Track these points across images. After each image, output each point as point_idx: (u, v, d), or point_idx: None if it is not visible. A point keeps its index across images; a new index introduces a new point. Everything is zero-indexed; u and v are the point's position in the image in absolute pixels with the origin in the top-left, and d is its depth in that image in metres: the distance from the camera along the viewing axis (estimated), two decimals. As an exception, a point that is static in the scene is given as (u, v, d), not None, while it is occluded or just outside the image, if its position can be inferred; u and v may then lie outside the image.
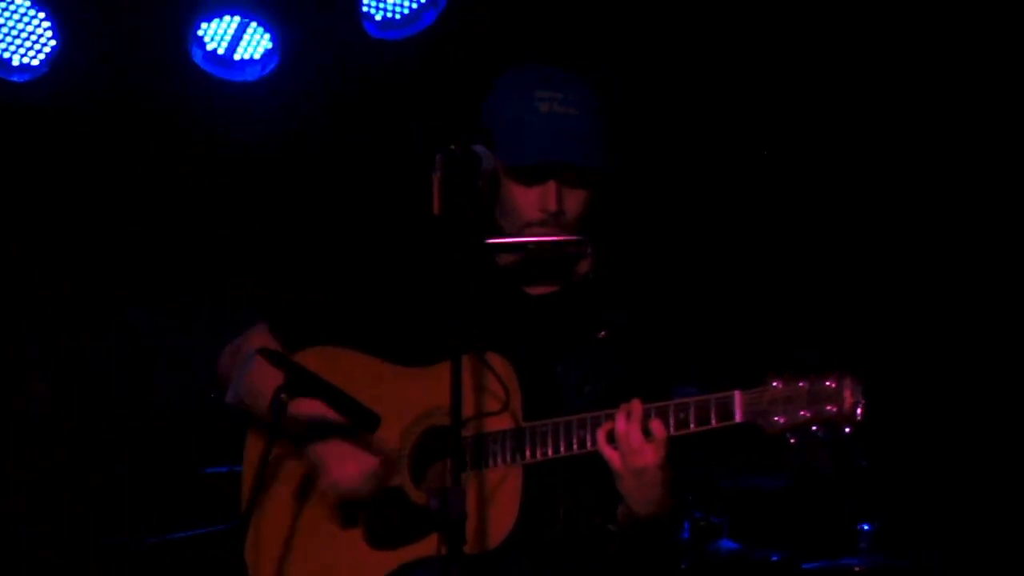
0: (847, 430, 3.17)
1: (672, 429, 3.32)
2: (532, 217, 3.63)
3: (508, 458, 3.46)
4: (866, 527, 5.81)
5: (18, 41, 5.84)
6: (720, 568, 5.81)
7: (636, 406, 3.35)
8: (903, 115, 6.22)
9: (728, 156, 6.43)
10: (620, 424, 3.35)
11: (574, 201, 3.64)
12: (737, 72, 6.25)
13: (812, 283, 6.41)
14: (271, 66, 5.99)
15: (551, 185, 3.61)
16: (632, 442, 3.34)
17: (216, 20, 5.94)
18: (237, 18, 5.95)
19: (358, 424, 3.56)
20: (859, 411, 3.16)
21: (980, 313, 6.21)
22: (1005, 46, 5.97)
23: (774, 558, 5.90)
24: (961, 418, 6.20)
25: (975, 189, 6.18)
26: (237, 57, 5.99)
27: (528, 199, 3.63)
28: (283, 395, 3.46)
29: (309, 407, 3.56)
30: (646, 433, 3.33)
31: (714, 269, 6.37)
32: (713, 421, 3.28)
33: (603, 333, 3.65)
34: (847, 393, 3.17)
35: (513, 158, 3.61)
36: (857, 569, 5.76)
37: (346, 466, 3.59)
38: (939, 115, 6.15)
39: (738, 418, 3.25)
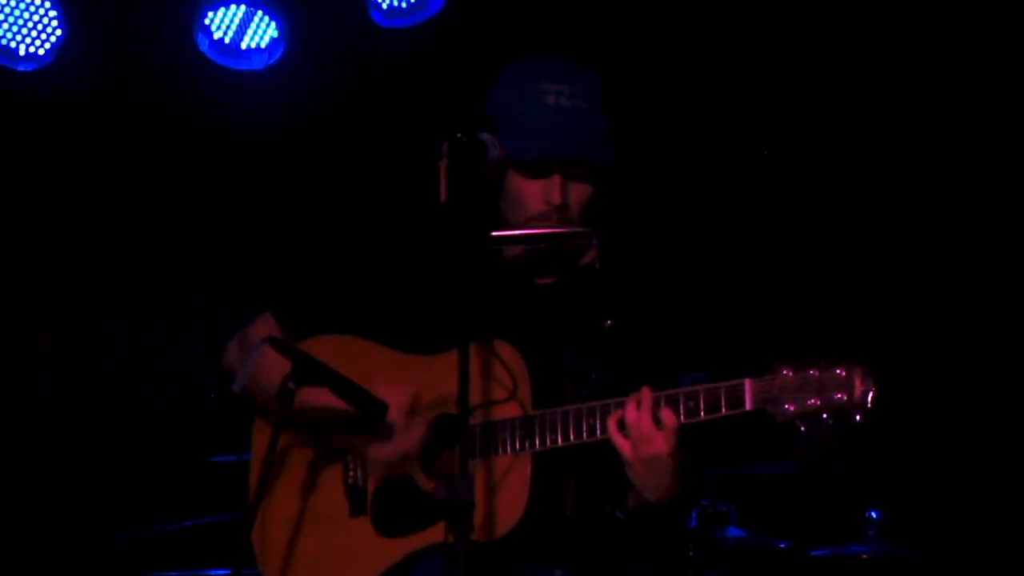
0: (857, 418, 3.17)
1: (683, 417, 3.32)
2: (537, 209, 3.63)
3: (517, 446, 3.46)
4: (874, 515, 5.80)
5: (24, 30, 5.84)
6: (728, 556, 5.81)
7: (646, 394, 3.35)
8: (908, 111, 6.22)
9: (734, 148, 6.42)
10: (631, 412, 3.35)
11: (578, 194, 3.64)
12: (747, 61, 6.25)
13: (820, 273, 6.40)
14: (277, 54, 5.99)
15: (556, 178, 3.61)
16: (643, 430, 3.33)
17: (222, 9, 5.94)
18: (243, 7, 5.95)
19: (365, 413, 3.55)
20: (869, 399, 3.15)
21: (988, 305, 6.20)
22: (1004, 47, 5.96)
23: (782, 546, 5.89)
24: (968, 408, 6.20)
25: (983, 181, 6.17)
26: (243, 46, 5.98)
27: (533, 191, 3.63)
28: (291, 384, 3.46)
29: (317, 396, 3.56)
30: (656, 421, 3.33)
31: (720, 259, 6.37)
32: (723, 408, 3.27)
33: (609, 322, 3.64)
34: (857, 381, 3.17)
35: (519, 150, 3.60)
36: (864, 557, 5.76)
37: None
38: (942, 112, 6.15)
39: (748, 406, 3.25)
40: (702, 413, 3.30)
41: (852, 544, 5.83)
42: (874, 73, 6.17)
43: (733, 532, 5.87)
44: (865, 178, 6.32)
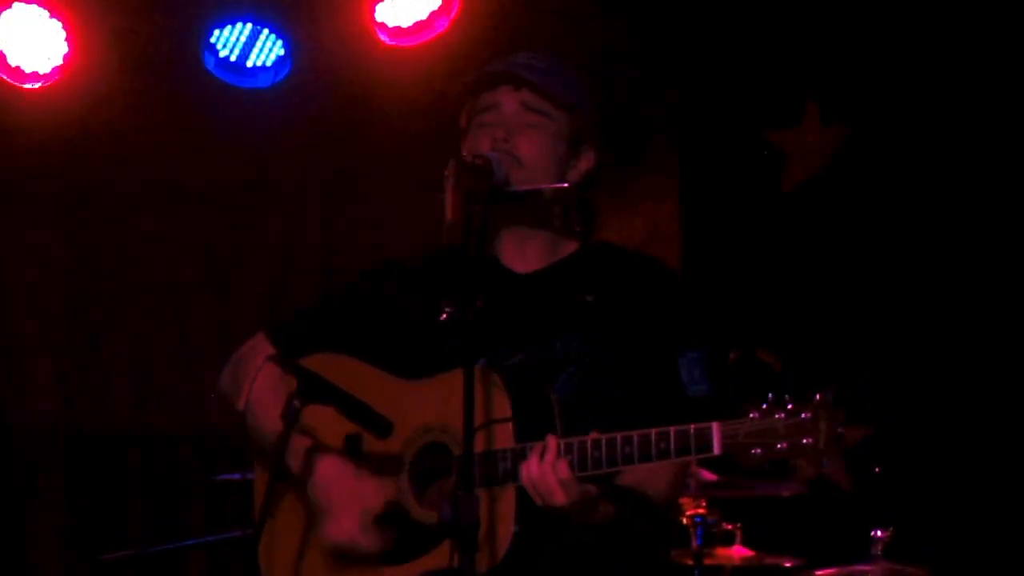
0: (824, 463, 3.10)
1: (590, 468, 3.24)
2: (486, 147, 3.51)
3: (502, 478, 3.36)
4: (879, 533, 5.79)
5: (30, 48, 5.85)
6: (733, 574, 5.80)
7: (551, 443, 3.27)
8: (904, 117, 6.23)
9: (726, 154, 6.48)
10: (533, 465, 3.26)
11: (527, 140, 3.54)
12: (745, 56, 6.29)
13: (822, 273, 6.41)
14: (283, 73, 6.01)
15: (485, 96, 3.57)
16: (547, 483, 3.25)
17: (229, 27, 5.96)
18: (249, 25, 5.97)
19: (371, 431, 3.51)
20: (837, 444, 3.09)
21: (996, 317, 6.19)
22: (1004, 47, 5.97)
23: (787, 564, 5.88)
24: (974, 422, 6.18)
25: (985, 184, 6.17)
26: (250, 64, 6.00)
27: (481, 140, 3.56)
28: (296, 401, 3.42)
29: (322, 414, 3.52)
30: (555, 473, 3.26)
31: (716, 253, 6.43)
32: (693, 452, 3.17)
33: (591, 297, 3.58)
34: (823, 426, 3.07)
35: (471, 91, 3.59)
36: (870, 575, 5.74)
37: (342, 522, 3.48)
38: (938, 121, 6.15)
39: (716, 450, 3.14)
40: (672, 454, 3.18)
41: (858, 562, 5.81)
42: (874, 72, 6.19)
43: (739, 550, 5.85)
44: (866, 179, 6.33)
